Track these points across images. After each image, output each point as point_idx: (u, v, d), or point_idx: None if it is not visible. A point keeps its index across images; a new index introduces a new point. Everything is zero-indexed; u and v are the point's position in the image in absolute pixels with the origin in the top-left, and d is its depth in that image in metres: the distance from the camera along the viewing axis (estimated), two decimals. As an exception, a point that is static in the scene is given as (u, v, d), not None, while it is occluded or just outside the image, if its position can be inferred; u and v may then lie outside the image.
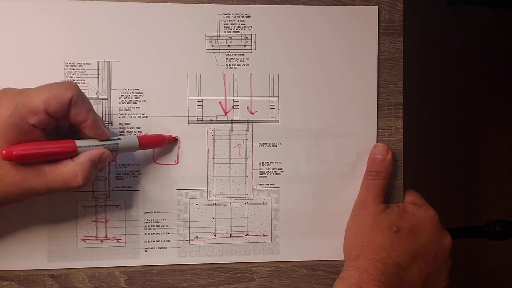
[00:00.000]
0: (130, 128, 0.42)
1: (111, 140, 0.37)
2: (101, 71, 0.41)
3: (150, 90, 0.42)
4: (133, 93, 0.42)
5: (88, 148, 0.36)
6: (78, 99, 0.34)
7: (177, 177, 0.42)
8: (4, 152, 0.32)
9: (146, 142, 0.40)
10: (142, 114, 0.42)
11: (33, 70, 0.41)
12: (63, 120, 0.35)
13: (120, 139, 0.38)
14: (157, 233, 0.42)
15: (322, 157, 0.44)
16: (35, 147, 0.33)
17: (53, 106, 0.33)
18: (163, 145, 0.41)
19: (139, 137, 0.39)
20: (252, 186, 0.43)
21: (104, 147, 0.36)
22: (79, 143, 0.35)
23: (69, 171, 0.34)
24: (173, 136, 0.42)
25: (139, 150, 0.40)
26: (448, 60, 1.24)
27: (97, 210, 0.42)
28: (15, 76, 0.40)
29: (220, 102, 0.43)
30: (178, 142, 0.42)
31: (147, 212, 0.42)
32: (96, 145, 0.36)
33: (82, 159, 0.35)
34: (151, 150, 0.42)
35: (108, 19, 0.41)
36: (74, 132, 0.37)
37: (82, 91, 0.42)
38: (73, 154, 0.35)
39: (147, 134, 0.42)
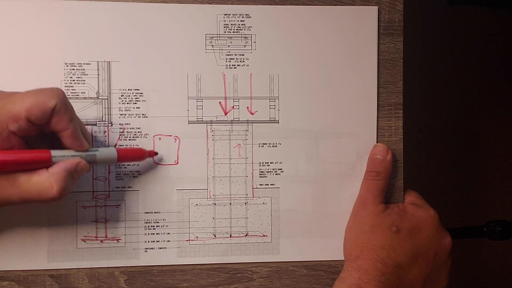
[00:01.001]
0: (130, 128, 0.42)
1: (89, 151, 0.36)
2: (101, 71, 0.41)
3: (150, 90, 0.42)
4: (133, 93, 0.42)
5: (64, 158, 0.35)
6: (61, 108, 0.33)
7: (177, 177, 0.42)
8: None
9: (126, 155, 0.39)
10: (142, 114, 0.42)
11: (33, 70, 0.41)
12: (46, 126, 0.34)
13: (98, 150, 0.37)
14: (157, 233, 0.42)
15: (322, 157, 0.44)
16: (7, 155, 0.32)
17: (35, 113, 0.32)
18: (143, 158, 0.40)
19: (118, 150, 0.38)
20: (252, 186, 0.43)
21: (80, 158, 0.35)
22: (54, 152, 0.34)
23: (44, 181, 0.33)
24: (154, 150, 0.41)
25: (117, 163, 0.39)
26: (448, 60, 1.24)
27: (97, 210, 0.42)
28: (15, 76, 0.40)
29: (220, 102, 0.43)
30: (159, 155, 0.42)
31: (147, 212, 0.42)
32: (72, 155, 0.35)
33: (57, 169, 0.34)
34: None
35: (108, 19, 0.41)
36: (56, 140, 0.36)
37: (81, 91, 0.42)
38: (47, 163, 0.34)
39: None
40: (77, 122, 0.36)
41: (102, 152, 0.37)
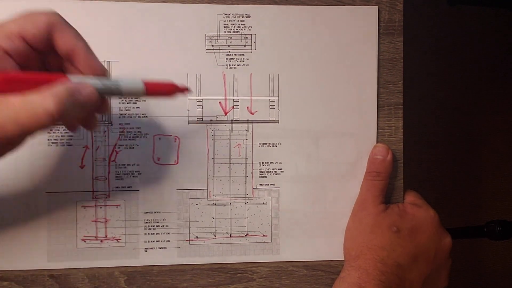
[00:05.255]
0: (130, 128, 0.42)
1: (112, 80, 0.32)
2: (101, 71, 0.41)
3: (150, 90, 0.42)
4: (133, 93, 0.42)
5: None
6: (59, 23, 0.30)
7: (177, 177, 0.42)
8: None
9: (154, 88, 0.33)
10: (142, 114, 0.42)
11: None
12: (51, 57, 0.32)
13: (121, 80, 0.32)
14: (157, 233, 0.42)
15: (322, 157, 0.44)
16: (21, 73, 0.29)
17: (29, 30, 0.30)
18: (173, 94, 0.35)
19: (145, 82, 0.33)
20: (252, 186, 0.43)
21: (104, 86, 0.31)
22: (73, 78, 0.30)
23: (39, 98, 0.28)
24: (186, 86, 0.35)
25: (145, 96, 0.34)
26: (448, 60, 1.24)
27: (97, 210, 0.42)
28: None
29: (220, 102, 0.43)
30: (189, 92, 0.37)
31: (147, 212, 0.42)
32: (93, 83, 0.31)
33: (58, 87, 0.29)
34: (151, 149, 0.42)
35: (108, 19, 0.41)
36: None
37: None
38: None
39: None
40: (86, 43, 0.32)
41: (126, 82, 0.32)
